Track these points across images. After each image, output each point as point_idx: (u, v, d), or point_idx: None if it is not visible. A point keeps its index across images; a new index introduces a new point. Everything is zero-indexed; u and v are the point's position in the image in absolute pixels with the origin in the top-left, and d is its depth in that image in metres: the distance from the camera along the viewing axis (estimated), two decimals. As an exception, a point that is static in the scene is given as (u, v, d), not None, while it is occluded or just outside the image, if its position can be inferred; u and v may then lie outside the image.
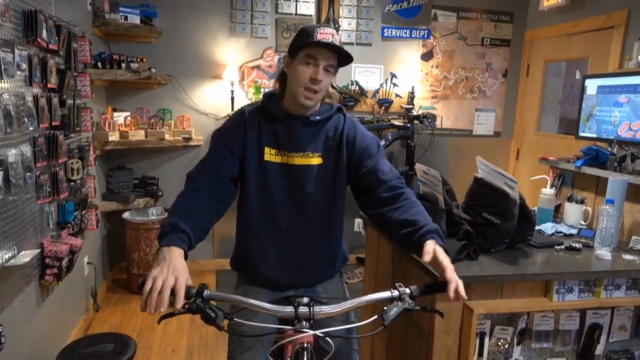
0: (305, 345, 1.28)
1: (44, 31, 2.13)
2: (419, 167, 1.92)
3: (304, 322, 1.16)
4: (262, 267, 1.53)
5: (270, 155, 1.47)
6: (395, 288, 1.18)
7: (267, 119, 1.49)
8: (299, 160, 1.47)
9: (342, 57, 1.41)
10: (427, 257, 1.22)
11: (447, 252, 1.27)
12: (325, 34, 1.34)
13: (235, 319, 1.18)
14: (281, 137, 1.48)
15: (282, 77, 1.51)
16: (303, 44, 1.37)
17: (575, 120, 4.06)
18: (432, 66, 4.42)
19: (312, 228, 1.53)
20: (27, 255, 1.99)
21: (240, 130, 1.47)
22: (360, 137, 1.52)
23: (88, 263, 3.15)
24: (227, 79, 3.95)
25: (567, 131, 4.20)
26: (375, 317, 1.16)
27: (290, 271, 1.54)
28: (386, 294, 1.18)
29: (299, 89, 1.40)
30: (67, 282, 2.53)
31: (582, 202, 2.26)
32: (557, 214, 2.37)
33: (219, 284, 3.88)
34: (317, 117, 1.48)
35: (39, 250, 2.15)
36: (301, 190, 1.49)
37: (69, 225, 2.53)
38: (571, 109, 4.26)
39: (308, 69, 1.38)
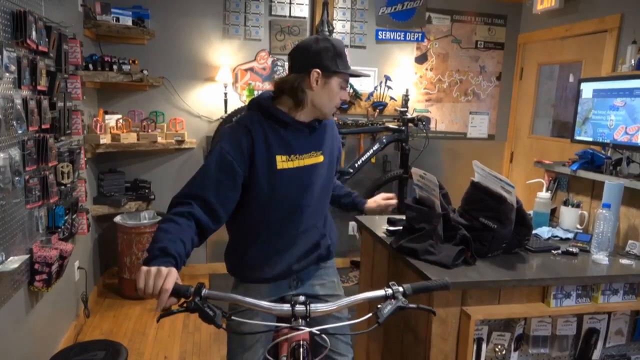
0: (301, 342, 1.32)
1: (34, 32, 2.09)
2: (415, 171, 1.90)
3: (300, 320, 1.19)
4: (265, 268, 1.55)
5: (282, 162, 1.47)
6: (389, 286, 1.22)
7: (273, 124, 1.49)
8: (309, 160, 1.54)
9: None
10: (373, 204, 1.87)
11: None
12: (349, 60, 1.52)
13: (233, 318, 1.21)
14: (292, 142, 1.50)
15: (297, 90, 1.46)
16: (341, 71, 1.48)
17: (568, 123, 4.09)
18: (426, 69, 4.42)
19: (316, 221, 1.60)
20: (15, 261, 1.95)
21: (246, 148, 1.43)
22: (339, 140, 1.73)
23: (79, 268, 3.10)
24: (221, 81, 3.92)
25: (559, 134, 4.21)
26: (370, 315, 1.20)
27: (289, 258, 1.56)
28: (380, 292, 1.22)
29: (331, 107, 1.52)
30: (57, 287, 2.49)
31: (577, 206, 2.25)
32: (552, 217, 2.37)
33: (213, 288, 3.81)
34: (317, 123, 1.57)
35: (28, 256, 2.10)
36: (309, 188, 1.54)
37: (59, 229, 2.48)
38: (564, 112, 4.27)
39: (342, 92, 1.52)
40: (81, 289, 3.18)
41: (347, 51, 1.52)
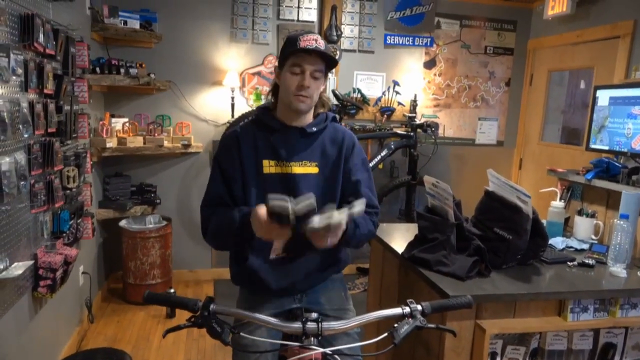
0: None
1: (41, 35, 2.07)
2: (427, 179, 1.86)
3: (312, 338, 1.15)
4: (266, 276, 1.51)
5: (269, 167, 1.50)
6: (407, 304, 1.16)
7: (263, 131, 1.52)
8: (298, 169, 1.50)
9: (330, 61, 1.45)
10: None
11: (349, 236, 1.39)
12: (308, 41, 1.39)
13: (241, 334, 1.18)
14: (279, 147, 1.50)
15: (274, 89, 1.55)
16: (288, 53, 1.43)
17: (577, 130, 4.04)
18: (435, 74, 4.38)
19: None
20: (19, 267, 1.91)
21: (234, 152, 1.50)
22: (356, 158, 1.59)
23: (83, 273, 3.07)
24: (228, 85, 3.89)
25: (568, 141, 4.16)
26: (385, 334, 1.14)
27: (294, 275, 1.53)
28: (397, 310, 1.16)
29: (289, 97, 1.45)
30: (61, 293, 2.45)
31: (592, 215, 2.20)
32: (566, 227, 2.31)
33: (217, 294, 3.80)
34: (314, 129, 1.52)
35: (32, 262, 2.07)
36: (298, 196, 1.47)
37: (64, 234, 2.45)
38: (573, 118, 4.21)
39: (295, 77, 1.43)
40: (85, 294, 3.15)
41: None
